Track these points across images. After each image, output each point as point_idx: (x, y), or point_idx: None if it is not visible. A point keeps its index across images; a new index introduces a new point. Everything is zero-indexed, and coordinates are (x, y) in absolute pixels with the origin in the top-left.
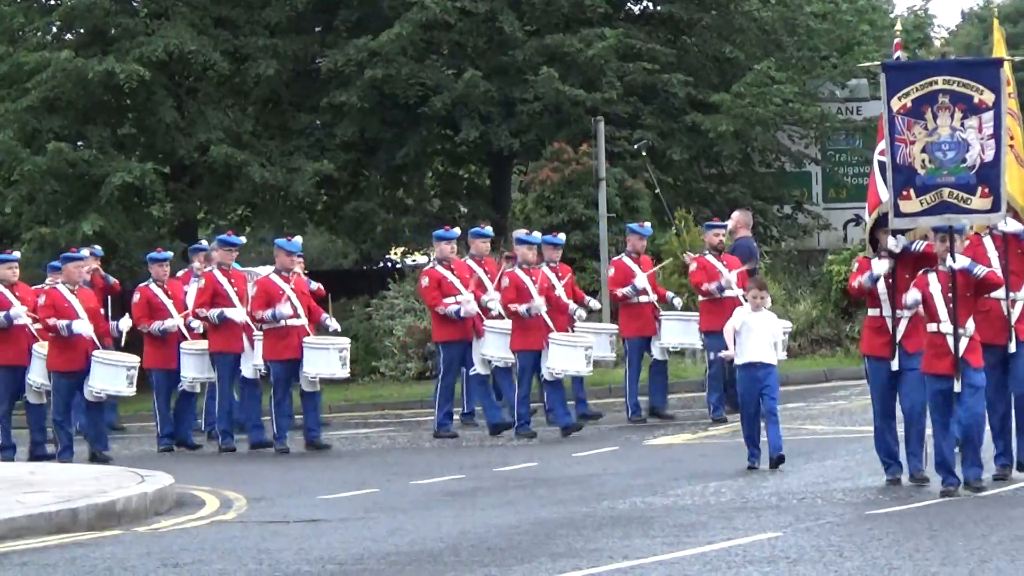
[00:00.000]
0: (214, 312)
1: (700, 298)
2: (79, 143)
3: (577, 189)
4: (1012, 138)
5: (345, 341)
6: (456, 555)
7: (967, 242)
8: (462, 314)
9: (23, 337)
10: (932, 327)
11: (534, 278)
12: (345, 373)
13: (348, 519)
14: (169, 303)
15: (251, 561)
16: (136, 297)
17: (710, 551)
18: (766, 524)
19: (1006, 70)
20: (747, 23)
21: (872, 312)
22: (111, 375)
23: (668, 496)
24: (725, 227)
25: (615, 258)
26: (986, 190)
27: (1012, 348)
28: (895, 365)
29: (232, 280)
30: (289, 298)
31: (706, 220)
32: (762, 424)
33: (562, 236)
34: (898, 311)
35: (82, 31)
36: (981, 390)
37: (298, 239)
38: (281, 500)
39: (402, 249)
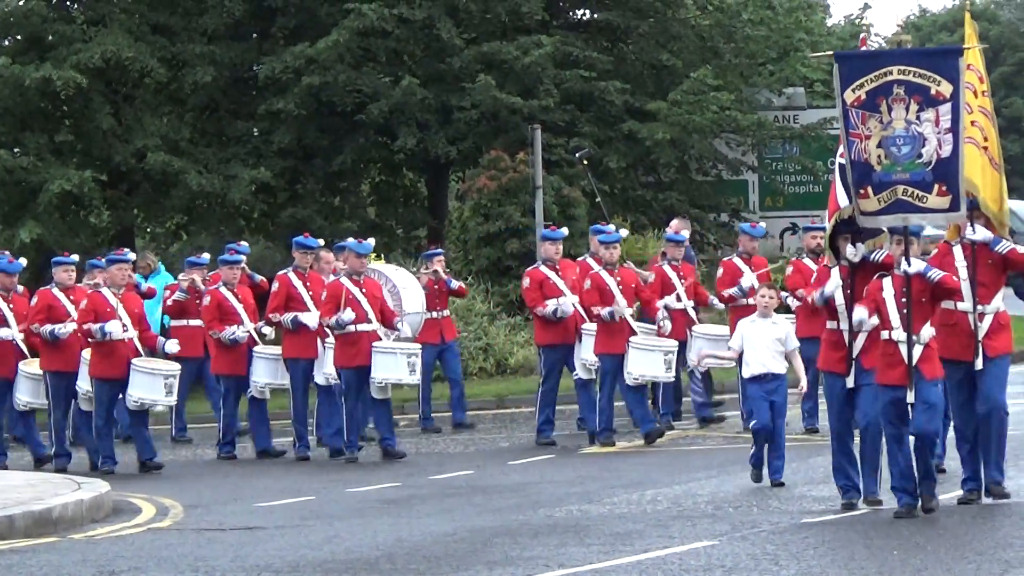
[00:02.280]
0: (287, 316)
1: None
2: (16, 150)
3: (514, 197)
4: (986, 139)
5: (415, 346)
6: (392, 563)
7: (935, 251)
8: (559, 315)
9: (75, 342)
10: (884, 334)
11: (618, 279)
12: (414, 379)
13: (284, 526)
14: (240, 307)
15: (187, 568)
16: (206, 300)
17: (646, 559)
18: (702, 532)
19: (979, 65)
20: (684, 30)
21: (829, 325)
22: (149, 384)
23: (604, 504)
24: (824, 229)
25: (725, 259)
26: (943, 188)
27: (979, 365)
28: (851, 381)
29: (308, 283)
30: (359, 302)
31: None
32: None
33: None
34: (870, 321)
35: (19, 38)
36: (935, 408)
37: (371, 241)
38: (217, 507)
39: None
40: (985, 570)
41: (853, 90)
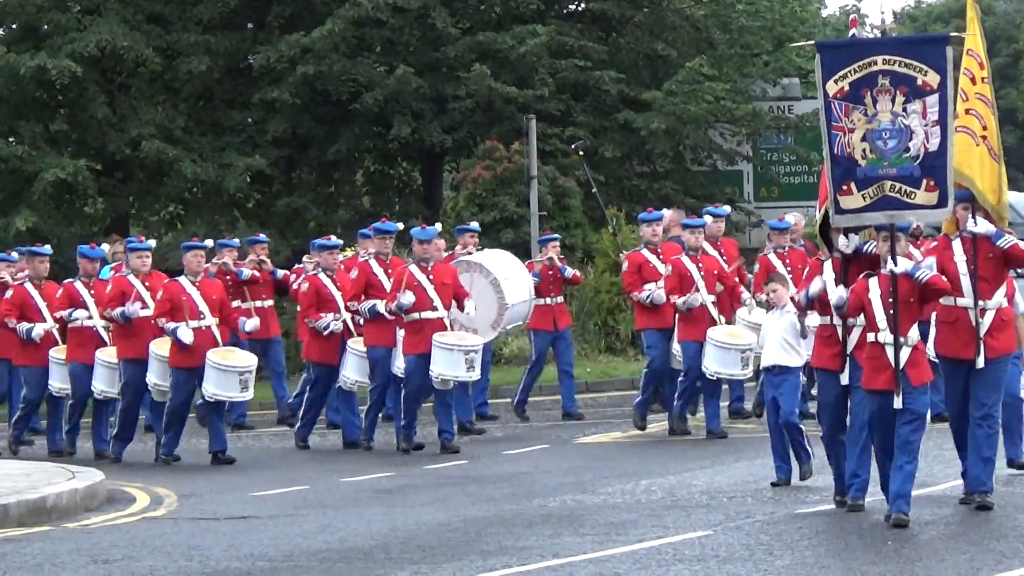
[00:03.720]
0: (366, 305)
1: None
2: (11, 139)
3: (509, 187)
4: (985, 128)
5: (475, 343)
6: (386, 553)
7: (934, 243)
8: (655, 300)
9: (148, 331)
10: (870, 336)
11: (700, 264)
12: (471, 376)
13: (278, 516)
14: (338, 295)
15: (181, 557)
16: (305, 286)
17: (640, 549)
18: (696, 522)
19: (979, 50)
20: (679, 21)
21: (822, 320)
22: (223, 380)
23: (598, 494)
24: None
25: (761, 254)
26: (931, 183)
27: (980, 363)
28: (845, 379)
29: (389, 271)
30: (424, 289)
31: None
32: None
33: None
34: (849, 319)
35: (14, 27)
36: (922, 419)
37: (436, 226)
38: (211, 496)
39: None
40: (979, 560)
41: (836, 81)
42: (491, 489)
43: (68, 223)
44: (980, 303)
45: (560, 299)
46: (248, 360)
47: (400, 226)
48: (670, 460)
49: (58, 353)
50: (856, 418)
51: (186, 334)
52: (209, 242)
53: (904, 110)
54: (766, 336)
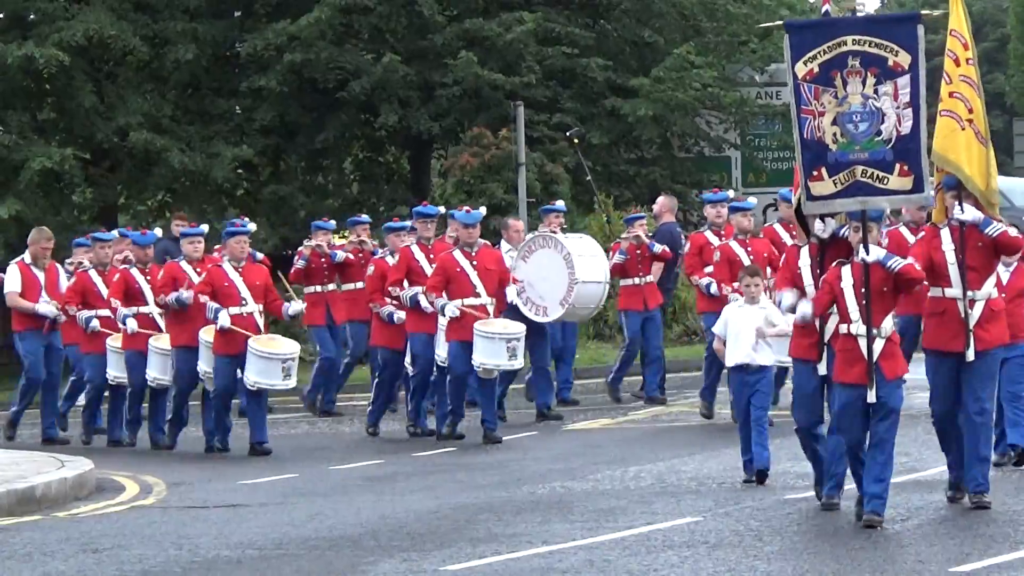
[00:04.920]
0: (407, 293)
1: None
2: None
3: (497, 174)
4: (971, 111)
5: (517, 330)
6: (375, 540)
7: (922, 233)
8: (712, 290)
9: (200, 318)
10: (843, 328)
11: (749, 249)
12: (514, 365)
13: (267, 504)
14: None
15: (171, 546)
16: (369, 270)
17: (629, 536)
18: (685, 509)
19: (963, 30)
20: (666, 7)
21: (786, 308)
22: (265, 368)
23: (588, 481)
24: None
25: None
26: (905, 167)
27: (970, 356)
28: (822, 369)
29: (431, 256)
30: (467, 275)
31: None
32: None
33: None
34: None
35: (1, 16)
36: (895, 414)
37: (481, 210)
38: (201, 485)
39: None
40: (968, 544)
41: (805, 63)
42: (480, 476)
43: (55, 212)
44: (969, 293)
45: (650, 278)
46: (291, 347)
47: (442, 209)
48: (659, 447)
49: (115, 341)
50: (833, 408)
51: (224, 319)
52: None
53: (875, 92)
54: (737, 332)
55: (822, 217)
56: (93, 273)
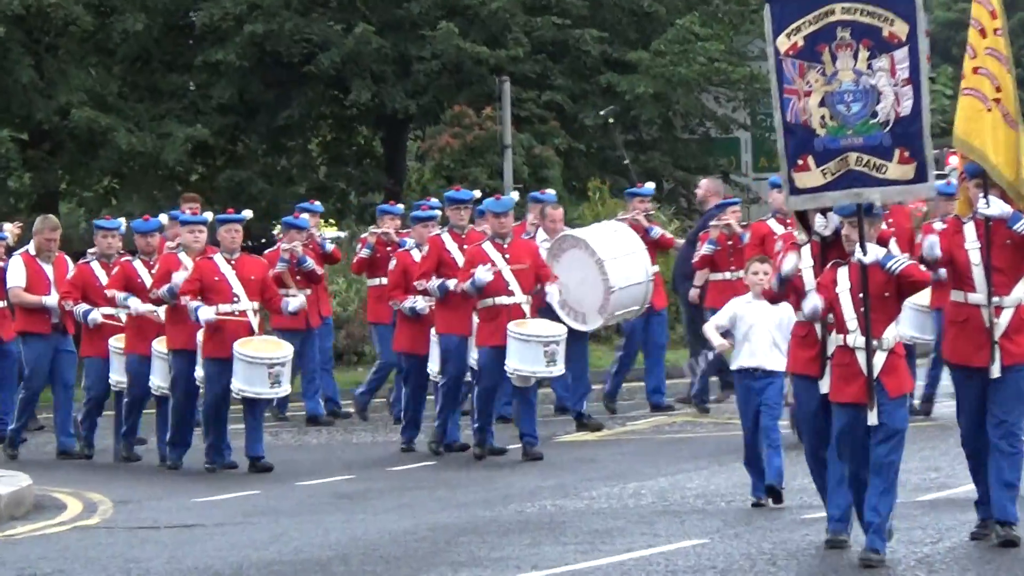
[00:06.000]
0: (435, 283)
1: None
2: None
3: (480, 157)
4: (999, 89)
5: (557, 332)
6: (345, 564)
7: (943, 226)
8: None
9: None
10: (838, 339)
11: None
12: (551, 372)
13: (225, 524)
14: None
15: (117, 571)
16: (392, 263)
17: (628, 560)
18: (691, 530)
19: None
20: None
21: (799, 317)
22: (250, 374)
23: (582, 499)
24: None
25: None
26: (906, 153)
27: (995, 372)
28: (825, 386)
29: (465, 246)
30: (500, 271)
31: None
32: None
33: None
34: (830, 316)
35: None
36: (899, 436)
37: (512, 195)
38: (150, 503)
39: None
40: (1006, 570)
41: (788, 35)
42: (462, 493)
43: None
44: (995, 299)
45: (741, 273)
46: (280, 350)
47: (477, 194)
48: (661, 460)
49: (118, 342)
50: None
51: (206, 313)
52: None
53: (869, 67)
54: (746, 331)
55: (823, 211)
56: (96, 265)
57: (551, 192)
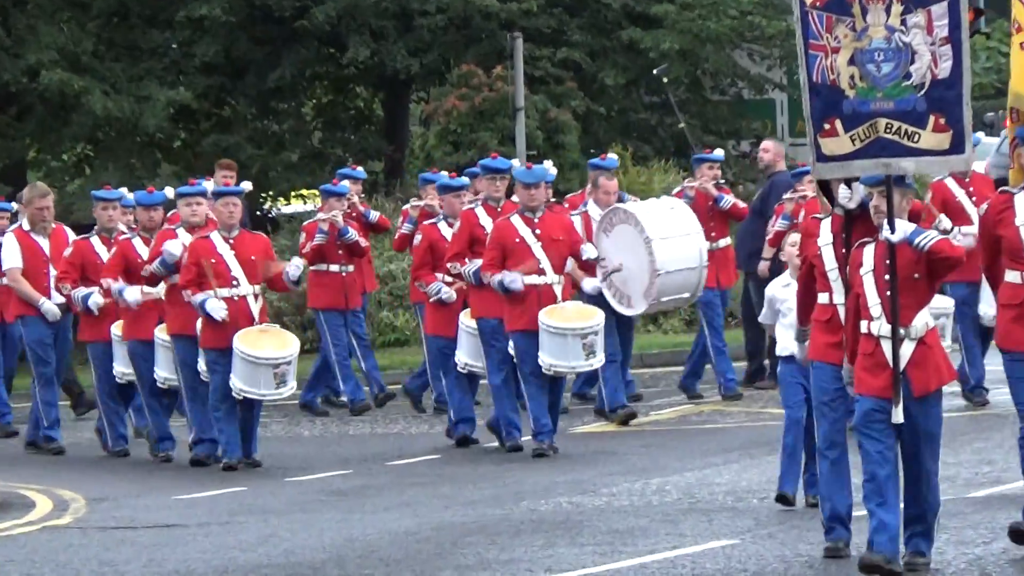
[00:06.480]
0: (471, 267)
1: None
2: None
3: (490, 121)
4: None
5: (594, 320)
6: (341, 567)
7: (983, 206)
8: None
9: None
10: (863, 326)
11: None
12: (592, 364)
13: (209, 524)
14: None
15: (90, 575)
16: (417, 239)
17: (651, 562)
18: (720, 530)
19: None
20: None
21: (820, 299)
22: (252, 374)
23: (601, 496)
24: None
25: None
26: (941, 120)
27: None
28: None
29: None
30: (529, 248)
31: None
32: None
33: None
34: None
35: None
36: (932, 440)
37: (546, 165)
38: (127, 501)
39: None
40: None
41: None
42: (470, 490)
43: None
44: None
45: None
46: (286, 347)
47: (515, 163)
48: (687, 454)
49: (119, 329)
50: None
51: (217, 308)
52: (207, 184)
53: (902, 24)
54: (783, 314)
55: (848, 181)
56: (96, 240)
57: (613, 157)
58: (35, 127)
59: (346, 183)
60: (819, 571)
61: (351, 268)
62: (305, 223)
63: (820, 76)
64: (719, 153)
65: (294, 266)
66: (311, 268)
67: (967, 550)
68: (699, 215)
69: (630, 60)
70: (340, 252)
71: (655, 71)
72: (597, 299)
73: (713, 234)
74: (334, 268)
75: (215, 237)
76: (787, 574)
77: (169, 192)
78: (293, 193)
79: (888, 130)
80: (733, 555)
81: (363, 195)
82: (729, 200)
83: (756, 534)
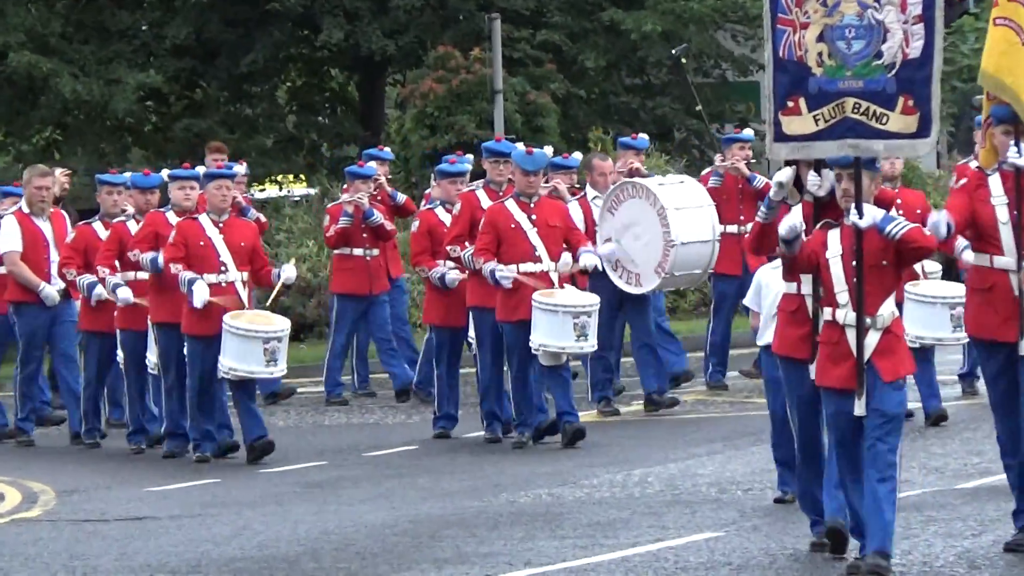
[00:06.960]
0: (470, 252)
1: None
2: None
3: (467, 104)
4: None
5: (588, 302)
6: (316, 561)
7: (963, 181)
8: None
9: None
10: (827, 314)
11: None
12: (582, 347)
13: (181, 517)
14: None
15: (61, 569)
16: (415, 226)
17: (633, 555)
18: (704, 522)
19: None
20: None
21: (787, 289)
22: (242, 350)
23: (581, 487)
24: None
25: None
26: (910, 102)
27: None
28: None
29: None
30: (524, 233)
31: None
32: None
33: None
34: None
35: None
36: (895, 423)
37: (547, 150)
38: (98, 493)
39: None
40: None
41: None
42: (448, 481)
43: None
44: None
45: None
46: (276, 323)
47: (520, 146)
48: (670, 445)
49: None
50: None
51: (201, 290)
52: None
53: (876, 1)
54: (768, 301)
55: (818, 167)
56: (99, 226)
57: (644, 137)
58: (3, 110)
59: (373, 164)
60: (805, 564)
61: (376, 252)
62: (329, 205)
63: (787, 51)
64: (749, 132)
65: (288, 270)
66: (335, 252)
67: (955, 542)
68: (729, 197)
69: (610, 42)
70: (365, 236)
71: (674, 51)
72: (600, 290)
73: (742, 217)
74: (358, 252)
75: (204, 220)
76: (772, 567)
77: (164, 174)
78: (268, 179)
79: (856, 110)
80: (717, 548)
81: (389, 176)
82: (763, 179)
83: (740, 526)
